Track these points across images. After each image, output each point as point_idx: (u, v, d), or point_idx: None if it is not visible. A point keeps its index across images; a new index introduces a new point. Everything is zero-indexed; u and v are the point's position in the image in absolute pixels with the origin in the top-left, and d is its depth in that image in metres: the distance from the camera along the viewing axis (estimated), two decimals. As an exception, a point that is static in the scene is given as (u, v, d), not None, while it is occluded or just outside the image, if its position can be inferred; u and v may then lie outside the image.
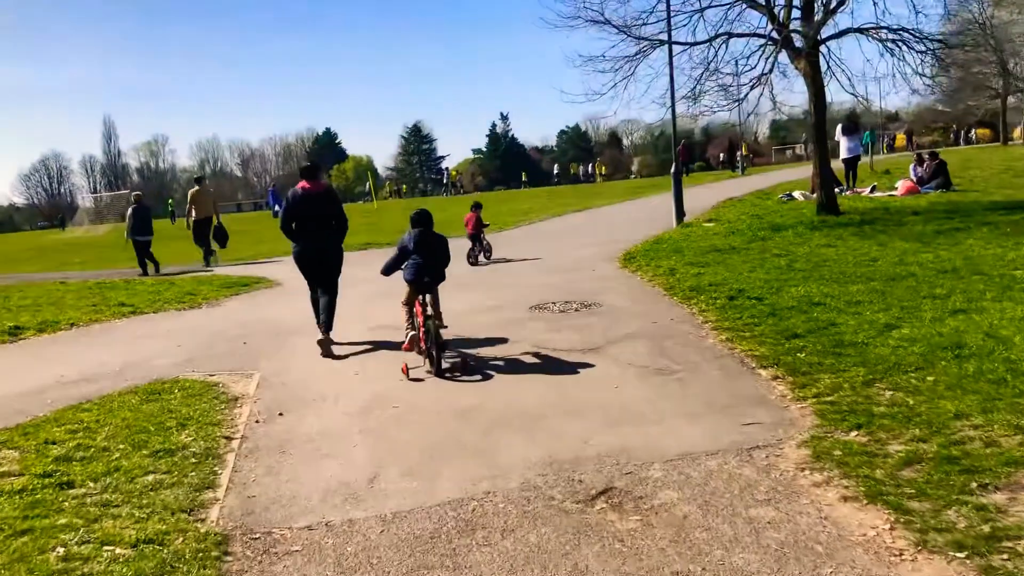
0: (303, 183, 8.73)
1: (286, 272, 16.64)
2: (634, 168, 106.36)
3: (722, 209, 20.70)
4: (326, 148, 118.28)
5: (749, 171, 42.78)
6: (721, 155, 63.63)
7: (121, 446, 6.01)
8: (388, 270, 8.12)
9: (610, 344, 7.85)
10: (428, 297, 7.70)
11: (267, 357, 8.74)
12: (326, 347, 8.51)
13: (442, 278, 7.89)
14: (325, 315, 8.71)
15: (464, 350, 8.12)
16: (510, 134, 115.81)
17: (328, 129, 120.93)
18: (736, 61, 15.08)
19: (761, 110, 15.33)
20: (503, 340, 8.41)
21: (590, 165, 71.28)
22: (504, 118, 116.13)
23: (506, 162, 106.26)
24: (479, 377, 7.21)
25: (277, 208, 45.29)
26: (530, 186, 75.81)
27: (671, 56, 16.00)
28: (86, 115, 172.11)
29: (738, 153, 44.98)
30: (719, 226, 16.24)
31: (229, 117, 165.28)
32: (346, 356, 8.48)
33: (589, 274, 12.42)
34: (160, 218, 78.91)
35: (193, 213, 19.83)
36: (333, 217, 8.81)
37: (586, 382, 6.77)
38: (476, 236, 15.27)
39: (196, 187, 20.55)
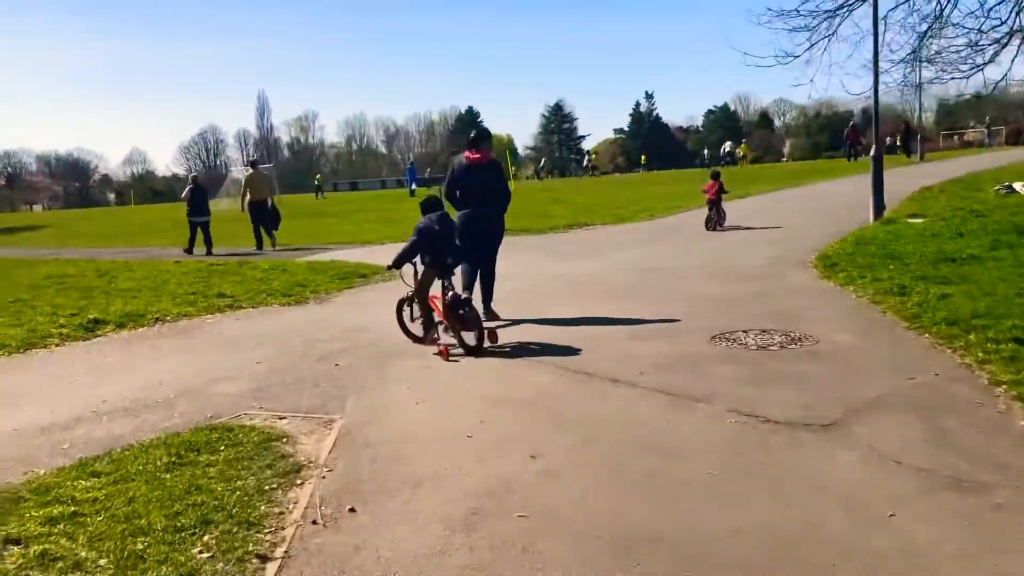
0: (468, 153, 8.62)
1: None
2: (786, 151, 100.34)
3: (922, 201, 17.22)
4: (468, 126, 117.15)
5: (928, 156, 37.93)
6: (887, 139, 57.30)
7: (102, 562, 3.85)
8: (402, 259, 7.78)
9: (852, 416, 5.09)
10: (446, 280, 7.67)
11: (360, 390, 6.49)
12: (488, 320, 8.31)
13: (460, 261, 7.91)
14: (483, 292, 8.63)
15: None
16: (654, 113, 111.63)
17: (471, 107, 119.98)
18: (974, 14, 11.71)
19: (1014, 76, 11.97)
20: (681, 397, 5.79)
21: (726, 145, 63.60)
22: (649, 97, 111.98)
23: (648, 142, 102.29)
24: (649, 473, 4.68)
25: (414, 186, 43.82)
26: (663, 168, 71.91)
27: (876, 7, 12.82)
28: (242, 90, 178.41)
29: (917, 137, 39.95)
30: (932, 223, 12.98)
31: (376, 94, 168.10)
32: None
33: (779, 284, 9.59)
34: (307, 192, 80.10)
35: (248, 196, 19.22)
36: (496, 189, 8.62)
37: (830, 498, 4.09)
38: (715, 202, 16.08)
39: (250, 171, 20.20)
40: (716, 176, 16.67)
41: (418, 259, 7.75)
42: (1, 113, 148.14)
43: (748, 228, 15.88)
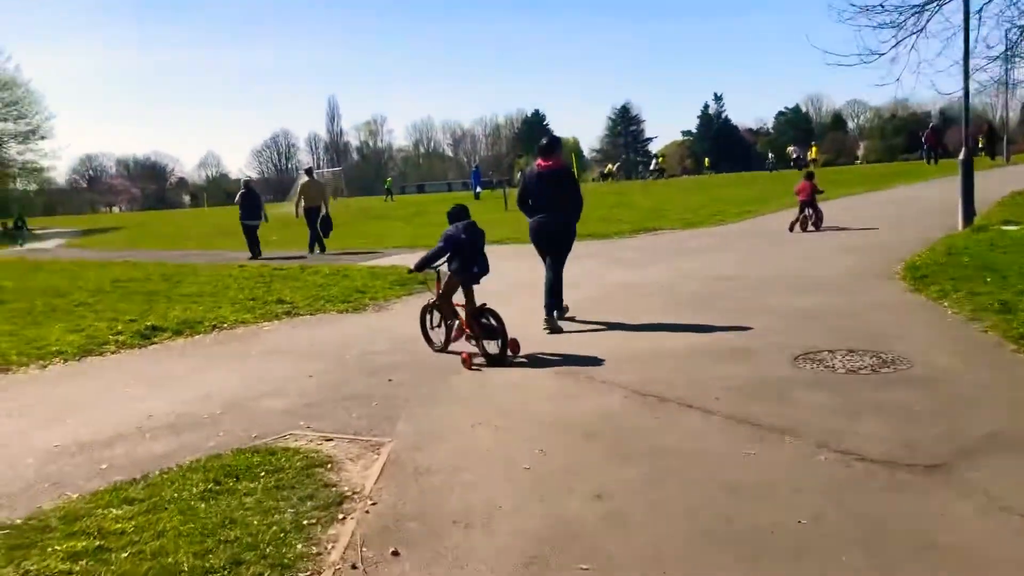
0: (539, 160, 8.57)
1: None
2: (859, 153, 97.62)
3: (1014, 207, 16.18)
4: (534, 129, 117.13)
5: (1015, 159, 36.09)
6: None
7: (120, 609, 3.50)
8: (423, 264, 7.74)
9: (963, 457, 4.43)
10: (468, 289, 7.65)
11: (412, 409, 6.08)
12: (552, 325, 8.41)
13: (488, 270, 7.71)
14: (547, 296, 8.55)
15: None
16: (723, 115, 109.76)
17: (537, 111, 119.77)
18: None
19: None
20: (763, 429, 5.23)
21: (791, 150, 61.70)
22: (718, 99, 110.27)
23: (717, 144, 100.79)
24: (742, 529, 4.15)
25: (479, 189, 43.56)
26: (730, 171, 70.26)
27: (967, 1, 11.97)
28: (313, 95, 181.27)
29: (1003, 139, 38.06)
30: (1029, 231, 12.09)
31: (443, 98, 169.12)
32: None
33: (865, 298, 8.88)
34: (376, 195, 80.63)
35: (302, 203, 19.51)
36: (567, 196, 8.51)
37: (942, 558, 3.47)
38: (808, 203, 15.77)
39: (305, 178, 20.48)
40: (809, 177, 16.48)
41: (445, 266, 7.70)
42: (84, 118, 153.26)
43: (828, 233, 15.10)
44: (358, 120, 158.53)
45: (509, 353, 7.26)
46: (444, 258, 7.62)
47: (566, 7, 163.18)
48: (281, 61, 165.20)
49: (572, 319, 8.82)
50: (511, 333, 7.29)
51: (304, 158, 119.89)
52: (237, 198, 20.15)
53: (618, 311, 9.12)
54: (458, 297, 7.76)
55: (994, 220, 13.67)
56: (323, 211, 19.50)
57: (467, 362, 7.21)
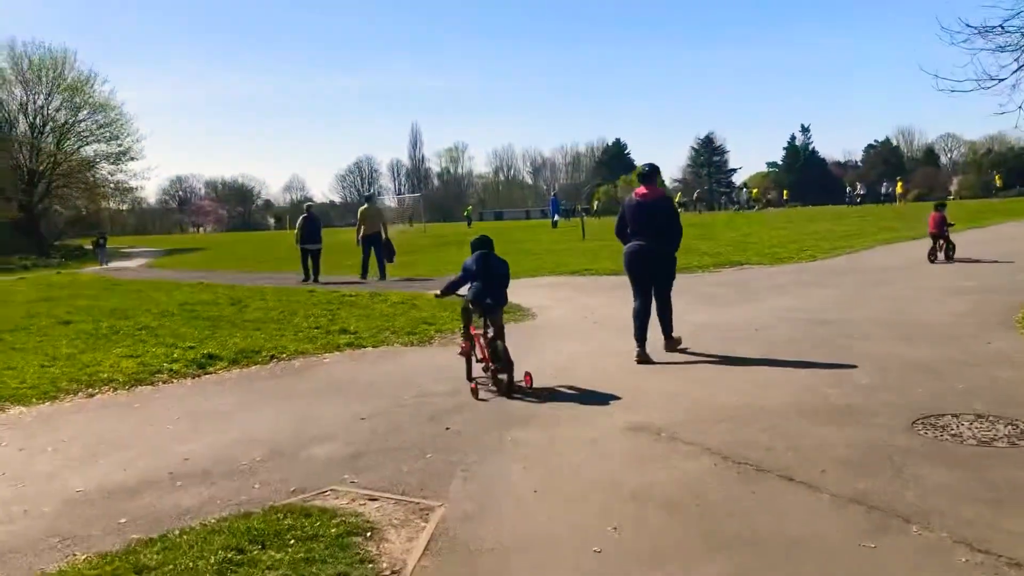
0: (639, 189, 8.53)
1: (545, 298, 13.56)
2: (953, 189, 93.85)
3: None
4: (615, 159, 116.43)
5: None
6: None
7: None
8: (447, 290, 8.05)
9: None
10: (489, 319, 7.63)
11: (469, 466, 5.38)
12: (673, 350, 8.53)
13: (504, 301, 7.79)
14: (663, 326, 8.58)
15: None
16: (811, 147, 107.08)
17: (618, 139, 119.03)
18: None
19: None
20: (882, 513, 4.36)
21: (884, 184, 60.88)
22: (805, 130, 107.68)
23: (804, 177, 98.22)
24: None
25: (557, 217, 42.95)
26: (813, 204, 67.95)
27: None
28: (396, 121, 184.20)
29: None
30: None
31: (524, 126, 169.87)
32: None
33: (984, 349, 7.83)
34: (458, 221, 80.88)
35: (362, 230, 19.47)
36: (666, 225, 8.38)
37: None
38: (938, 235, 15.87)
39: (366, 205, 20.44)
40: (940, 208, 16.71)
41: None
42: (176, 140, 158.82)
43: (949, 268, 13.94)
44: (440, 146, 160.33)
45: (524, 385, 7.30)
46: (466, 286, 7.73)
47: (649, 35, 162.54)
48: (367, 87, 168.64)
49: (685, 350, 8.58)
50: (587, 370, 6.98)
51: (386, 183, 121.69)
52: (299, 222, 20.30)
53: (703, 357, 8.29)
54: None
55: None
56: (383, 237, 19.44)
57: (474, 392, 7.24)
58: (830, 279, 14.10)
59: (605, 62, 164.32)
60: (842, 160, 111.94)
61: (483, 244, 7.83)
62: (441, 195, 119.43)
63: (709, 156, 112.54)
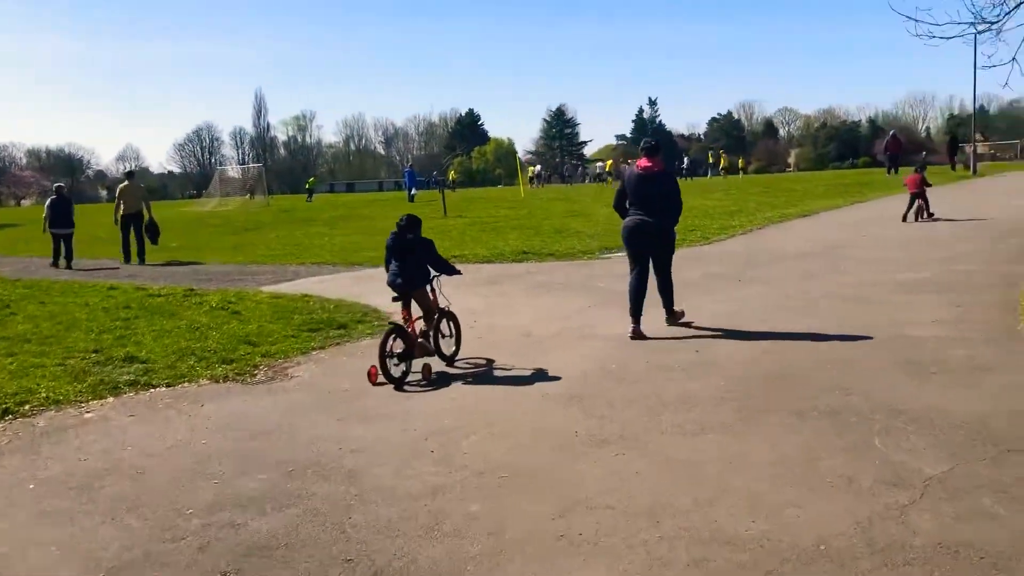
0: (642, 161, 8.10)
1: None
2: (791, 161, 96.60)
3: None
4: (468, 129, 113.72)
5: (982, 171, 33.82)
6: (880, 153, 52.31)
7: None
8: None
9: None
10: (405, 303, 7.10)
11: None
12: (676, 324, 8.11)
13: (416, 284, 7.07)
14: (664, 300, 8.17)
15: None
16: (658, 120, 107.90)
17: (471, 110, 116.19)
18: None
19: None
20: None
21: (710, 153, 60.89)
22: (652, 103, 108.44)
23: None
24: None
25: (414, 191, 39.68)
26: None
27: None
28: (240, 89, 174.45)
29: (964, 148, 35.88)
30: None
31: (375, 95, 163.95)
32: None
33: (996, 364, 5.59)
34: (299, 194, 75.68)
35: (121, 208, 17.66)
36: (668, 199, 8.00)
37: None
38: (918, 194, 16.37)
39: (126, 182, 18.62)
40: (920, 169, 17.60)
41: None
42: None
43: (897, 253, 11.88)
44: (287, 114, 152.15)
45: (422, 378, 6.76)
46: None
47: (501, 5, 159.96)
48: (206, 53, 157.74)
49: (688, 324, 8.14)
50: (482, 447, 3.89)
51: (229, 152, 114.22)
52: (47, 204, 17.93)
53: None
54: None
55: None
56: (146, 217, 17.63)
57: (371, 376, 6.70)
58: (746, 270, 11.59)
59: (457, 32, 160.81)
60: (687, 133, 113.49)
61: (400, 223, 7.12)
62: (288, 165, 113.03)
63: (561, 128, 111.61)
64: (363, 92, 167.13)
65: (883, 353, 6.52)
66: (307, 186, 57.77)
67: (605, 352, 7.29)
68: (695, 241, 15.63)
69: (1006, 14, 7.54)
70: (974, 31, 7.66)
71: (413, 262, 7.03)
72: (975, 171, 32.27)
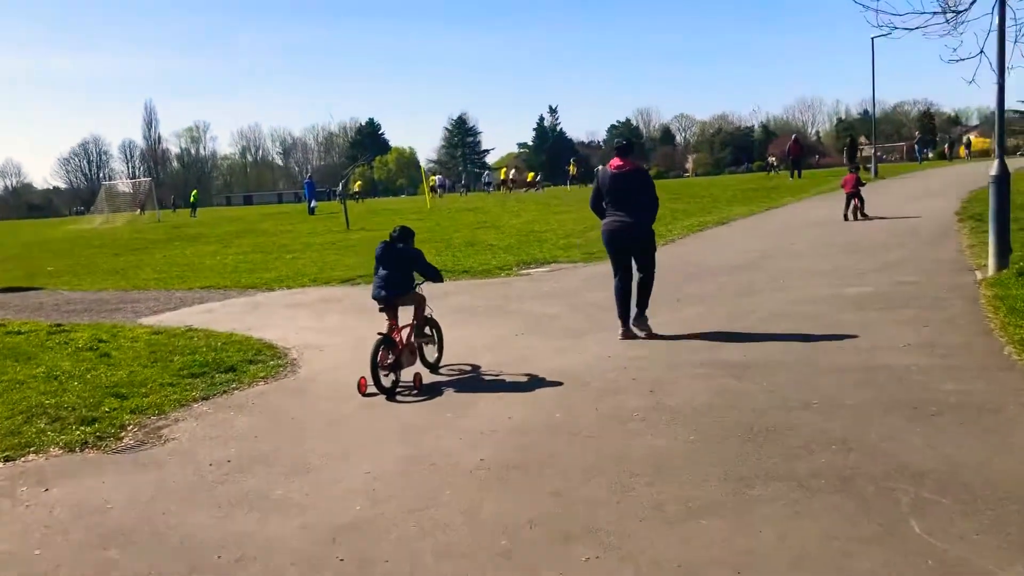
0: (615, 160, 7.99)
1: (309, 327, 9.18)
2: (688, 166, 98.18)
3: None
4: (369, 138, 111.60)
5: (873, 175, 34.32)
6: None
7: None
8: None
9: None
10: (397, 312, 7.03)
11: None
12: (642, 327, 7.91)
13: (399, 292, 6.99)
14: (639, 297, 8.00)
15: None
16: (558, 127, 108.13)
17: (371, 119, 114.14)
18: None
19: None
20: None
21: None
22: (553, 111, 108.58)
23: (553, 157, 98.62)
24: None
25: (314, 203, 37.90)
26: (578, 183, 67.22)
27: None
28: (129, 101, 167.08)
29: (860, 151, 36.39)
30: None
31: (272, 105, 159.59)
32: None
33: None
34: (207, 207, 72.09)
35: None
36: (643, 197, 7.89)
37: None
38: (854, 194, 16.85)
39: None
40: (854, 169, 19.15)
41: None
42: None
43: (823, 274, 11.15)
44: (179, 126, 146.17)
45: (413, 385, 6.68)
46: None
47: (397, 13, 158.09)
48: (93, 64, 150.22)
49: (655, 336, 7.81)
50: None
51: (118, 166, 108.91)
52: None
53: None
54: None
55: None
56: None
57: (361, 387, 6.56)
58: (680, 287, 10.58)
59: (355, 39, 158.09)
60: (587, 140, 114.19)
61: (393, 234, 7.17)
62: (182, 178, 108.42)
63: (463, 137, 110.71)
64: (259, 102, 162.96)
65: (866, 391, 5.61)
66: (191, 200, 54.20)
67: (545, 395, 6.19)
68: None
69: (971, 2, 6.83)
70: (944, 19, 6.92)
71: (398, 271, 6.99)
72: (876, 173, 32.69)
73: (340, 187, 32.98)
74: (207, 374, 7.50)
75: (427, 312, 7.28)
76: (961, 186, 23.02)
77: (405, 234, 7.17)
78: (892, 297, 8.68)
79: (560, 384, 6.44)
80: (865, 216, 16.88)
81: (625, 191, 7.86)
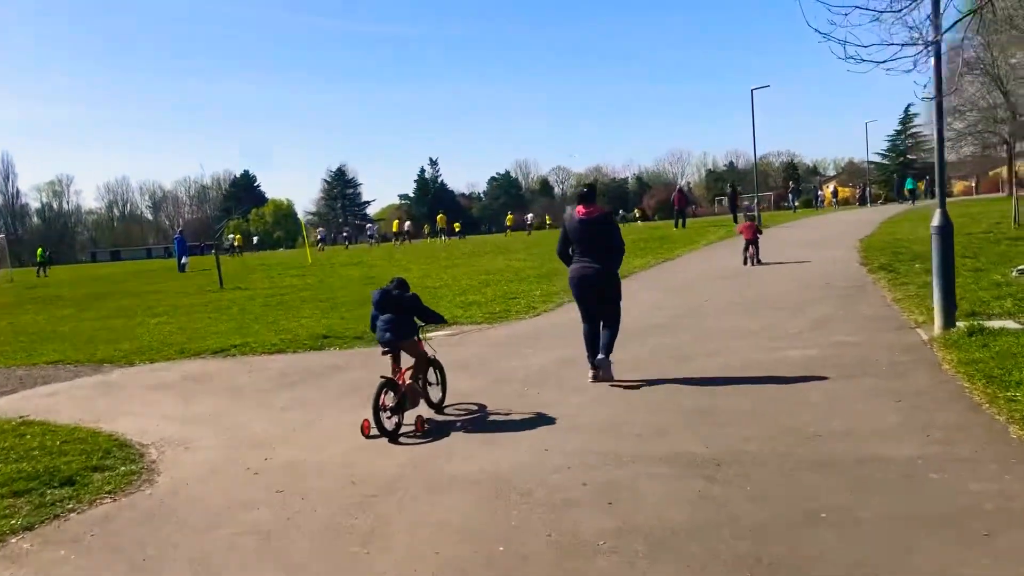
0: (579, 207, 7.96)
1: (170, 416, 7.39)
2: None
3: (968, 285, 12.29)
4: (243, 191, 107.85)
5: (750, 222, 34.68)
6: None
7: None
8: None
9: None
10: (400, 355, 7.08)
11: None
12: (605, 372, 7.81)
13: (402, 336, 6.97)
14: (604, 339, 7.90)
15: None
16: (439, 179, 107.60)
17: (246, 171, 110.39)
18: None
19: None
20: None
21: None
22: (433, 163, 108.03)
23: (434, 209, 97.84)
24: None
25: (184, 259, 35.33)
26: (463, 235, 66.57)
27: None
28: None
29: (742, 200, 36.85)
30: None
31: (140, 158, 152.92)
32: None
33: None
34: (69, 264, 66.56)
35: None
36: (609, 243, 7.86)
37: None
38: (752, 241, 17.33)
39: None
40: (751, 218, 20.38)
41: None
42: None
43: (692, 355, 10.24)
44: (40, 179, 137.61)
45: (415, 429, 6.65)
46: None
47: (270, 65, 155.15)
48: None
49: (617, 384, 7.60)
50: None
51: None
52: None
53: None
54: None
55: (986, 310, 9.37)
56: None
57: (364, 429, 6.59)
58: (617, 348, 9.56)
59: (229, 91, 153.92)
60: (468, 192, 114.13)
61: (393, 282, 7.19)
62: (43, 234, 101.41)
63: (342, 188, 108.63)
64: (127, 155, 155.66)
65: (877, 497, 4.53)
66: (37, 259, 48.08)
67: (475, 516, 4.81)
68: (521, 312, 13.57)
69: (944, 30, 6.11)
70: (921, 50, 6.16)
71: (400, 315, 7.01)
72: (760, 222, 33.01)
73: (220, 239, 30.94)
74: (36, 490, 5.79)
75: (430, 353, 7.29)
76: (847, 234, 23.21)
77: (401, 285, 7.22)
78: (843, 362, 7.79)
79: (492, 495, 5.10)
80: (759, 262, 17.32)
81: (593, 236, 7.81)
